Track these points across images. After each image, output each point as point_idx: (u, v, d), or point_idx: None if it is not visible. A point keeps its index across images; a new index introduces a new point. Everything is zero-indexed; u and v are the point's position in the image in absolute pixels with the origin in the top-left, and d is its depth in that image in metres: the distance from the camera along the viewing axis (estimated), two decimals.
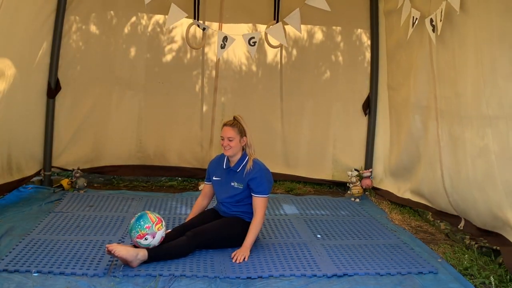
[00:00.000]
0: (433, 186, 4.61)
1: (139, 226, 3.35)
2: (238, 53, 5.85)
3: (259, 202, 3.69)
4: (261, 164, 3.81)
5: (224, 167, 3.88)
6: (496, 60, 3.57)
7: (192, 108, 5.92)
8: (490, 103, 3.66)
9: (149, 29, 5.72)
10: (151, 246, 3.38)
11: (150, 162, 5.92)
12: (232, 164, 3.83)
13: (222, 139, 3.75)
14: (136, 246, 3.39)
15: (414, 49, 4.84)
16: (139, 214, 3.46)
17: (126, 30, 5.66)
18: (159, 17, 5.70)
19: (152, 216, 3.43)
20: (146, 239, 3.35)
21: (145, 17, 5.69)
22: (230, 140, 3.72)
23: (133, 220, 3.41)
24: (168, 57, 5.81)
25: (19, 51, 4.60)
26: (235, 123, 3.77)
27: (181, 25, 5.66)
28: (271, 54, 5.89)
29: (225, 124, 3.79)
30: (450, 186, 4.33)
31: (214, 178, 3.93)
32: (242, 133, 3.76)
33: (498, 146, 3.63)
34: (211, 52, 5.81)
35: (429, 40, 4.44)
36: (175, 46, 5.80)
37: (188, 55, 5.83)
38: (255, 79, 5.95)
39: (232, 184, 3.80)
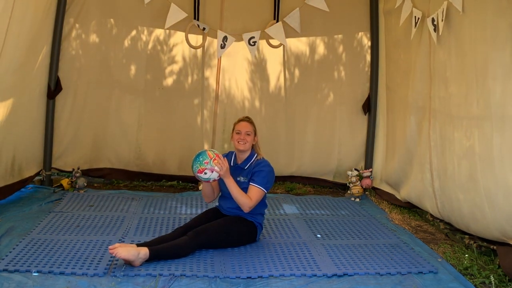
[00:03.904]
0: (421, 189, 4.60)
1: (199, 162, 3.64)
2: (239, 55, 5.82)
3: (254, 190, 3.72)
4: (268, 162, 3.88)
5: (232, 164, 3.92)
6: (488, 60, 3.55)
7: (192, 117, 5.85)
8: (479, 103, 3.65)
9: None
10: (211, 180, 3.68)
11: (149, 169, 5.86)
12: (239, 162, 3.89)
13: (239, 133, 3.81)
14: (198, 180, 3.73)
15: (413, 49, 4.82)
16: (199, 152, 3.74)
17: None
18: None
19: (210, 153, 3.68)
20: (205, 173, 3.64)
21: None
22: (248, 135, 3.82)
23: (193, 158, 3.69)
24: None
25: (20, 54, 4.60)
26: (251, 120, 3.90)
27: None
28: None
29: (241, 120, 3.89)
30: (438, 188, 4.33)
31: None
32: (255, 131, 3.89)
33: (481, 148, 3.62)
34: (213, 54, 5.78)
35: (429, 40, 4.43)
36: (176, 51, 5.75)
37: (188, 57, 5.80)
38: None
39: (238, 179, 3.83)
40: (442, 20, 4.04)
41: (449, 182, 4.09)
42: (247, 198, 3.69)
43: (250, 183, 3.75)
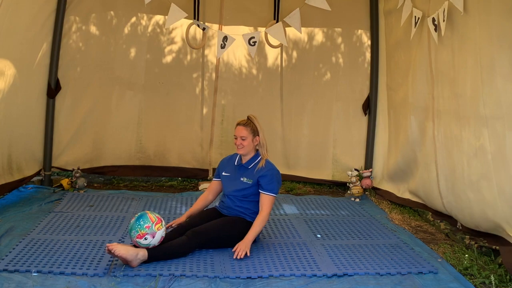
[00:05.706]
0: (428, 187, 4.61)
1: (139, 226, 3.35)
2: (238, 54, 5.86)
3: (266, 200, 3.72)
4: (273, 164, 3.87)
5: (236, 163, 3.93)
6: (495, 60, 3.56)
7: (192, 109, 5.92)
8: (487, 103, 3.65)
9: (149, 30, 5.72)
10: (151, 246, 3.39)
11: (150, 162, 5.93)
12: (244, 162, 3.90)
13: (236, 138, 3.82)
14: (136, 246, 3.39)
15: (413, 49, 4.84)
16: (139, 214, 3.46)
17: (126, 31, 5.66)
18: (159, 18, 5.71)
19: (152, 215, 3.43)
20: (146, 238, 3.35)
21: (145, 17, 5.69)
22: (243, 139, 3.78)
23: (133, 220, 3.42)
24: (168, 58, 5.81)
25: (19, 51, 4.61)
26: (248, 122, 3.83)
27: (181, 26, 5.67)
28: (272, 56, 5.89)
29: (238, 124, 3.85)
30: (445, 188, 4.32)
31: (223, 174, 3.98)
32: (255, 132, 3.83)
33: (494, 147, 3.62)
34: (211, 54, 5.82)
35: (428, 40, 4.44)
36: (175, 47, 5.80)
37: (188, 57, 5.84)
38: (255, 81, 5.96)
39: (242, 179, 3.84)
40: (443, 20, 4.04)
41: (458, 181, 4.09)
42: (262, 219, 3.69)
43: (260, 190, 3.76)
